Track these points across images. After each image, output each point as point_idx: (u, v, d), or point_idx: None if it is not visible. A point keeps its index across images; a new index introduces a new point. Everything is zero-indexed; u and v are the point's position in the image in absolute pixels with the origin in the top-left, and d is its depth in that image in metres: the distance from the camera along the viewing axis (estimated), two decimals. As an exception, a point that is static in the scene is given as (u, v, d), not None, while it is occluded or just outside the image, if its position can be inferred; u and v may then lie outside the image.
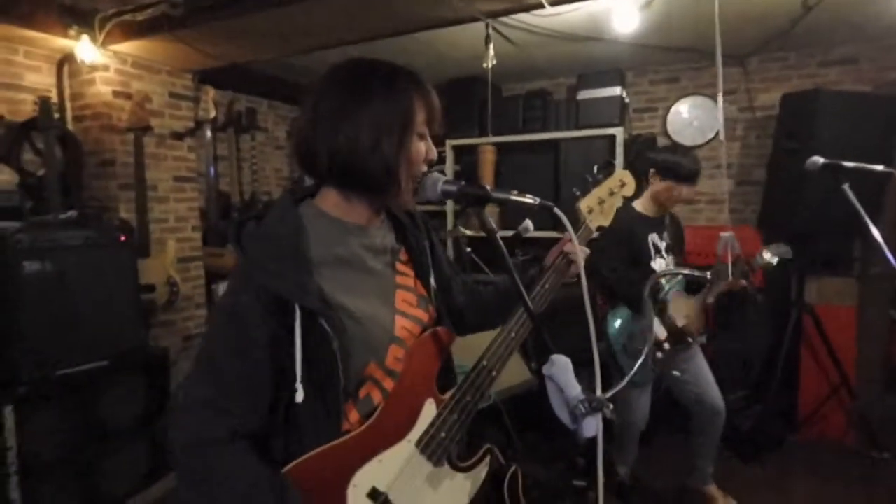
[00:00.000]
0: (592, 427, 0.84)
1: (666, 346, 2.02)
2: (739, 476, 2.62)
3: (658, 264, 2.20)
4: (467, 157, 3.89)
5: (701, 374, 2.25)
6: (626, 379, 0.82)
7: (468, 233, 3.27)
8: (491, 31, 2.64)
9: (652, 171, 2.19)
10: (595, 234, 1.19)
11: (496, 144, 3.76)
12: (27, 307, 2.02)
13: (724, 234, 1.94)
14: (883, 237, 1.39)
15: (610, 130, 3.43)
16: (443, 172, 0.98)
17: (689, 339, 2.09)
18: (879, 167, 1.48)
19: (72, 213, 2.33)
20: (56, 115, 2.77)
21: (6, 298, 1.99)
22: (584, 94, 3.56)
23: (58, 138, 2.72)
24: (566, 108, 3.73)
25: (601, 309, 2.34)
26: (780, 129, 3.12)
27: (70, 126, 2.94)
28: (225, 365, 0.83)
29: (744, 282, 2.05)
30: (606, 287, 2.18)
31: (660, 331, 2.04)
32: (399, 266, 1.01)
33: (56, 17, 2.58)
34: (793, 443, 2.94)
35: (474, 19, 2.42)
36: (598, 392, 0.84)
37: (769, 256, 2.08)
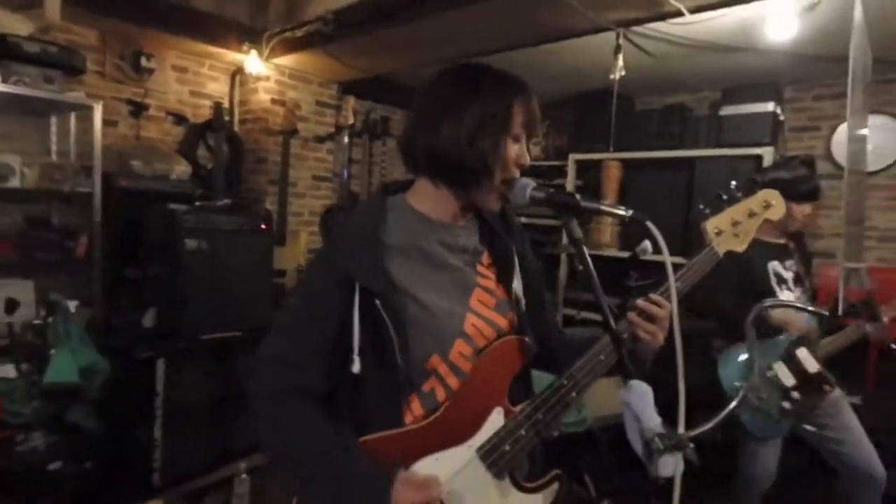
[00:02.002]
0: (670, 467, 0.76)
1: (795, 394, 1.74)
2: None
3: (784, 297, 1.91)
4: (591, 173, 3.75)
5: (847, 432, 1.90)
6: (728, 409, 0.71)
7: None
8: (621, 40, 2.53)
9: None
10: (720, 258, 1.05)
11: (623, 160, 3.57)
12: (186, 278, 2.38)
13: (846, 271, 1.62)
14: None
15: (757, 150, 3.07)
16: (563, 187, 0.96)
17: (826, 388, 1.77)
18: None
19: (227, 201, 2.70)
20: (226, 119, 3.24)
21: (171, 269, 2.37)
22: (728, 110, 3.24)
23: (226, 138, 3.18)
24: (707, 124, 3.42)
25: (718, 351, 2.08)
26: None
27: (236, 128, 3.43)
28: (299, 328, 0.91)
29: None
30: (723, 323, 1.95)
31: (785, 376, 1.76)
32: (480, 268, 1.00)
33: (235, 36, 3.03)
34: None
35: (605, 29, 2.35)
36: (681, 429, 0.76)
37: None
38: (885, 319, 1.79)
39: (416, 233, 0.95)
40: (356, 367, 0.88)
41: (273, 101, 3.26)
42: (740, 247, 1.07)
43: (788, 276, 1.96)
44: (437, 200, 0.96)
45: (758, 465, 2.00)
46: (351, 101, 3.53)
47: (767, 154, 3.02)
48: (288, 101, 3.23)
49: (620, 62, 2.55)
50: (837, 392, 1.89)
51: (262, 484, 2.50)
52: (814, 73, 3.18)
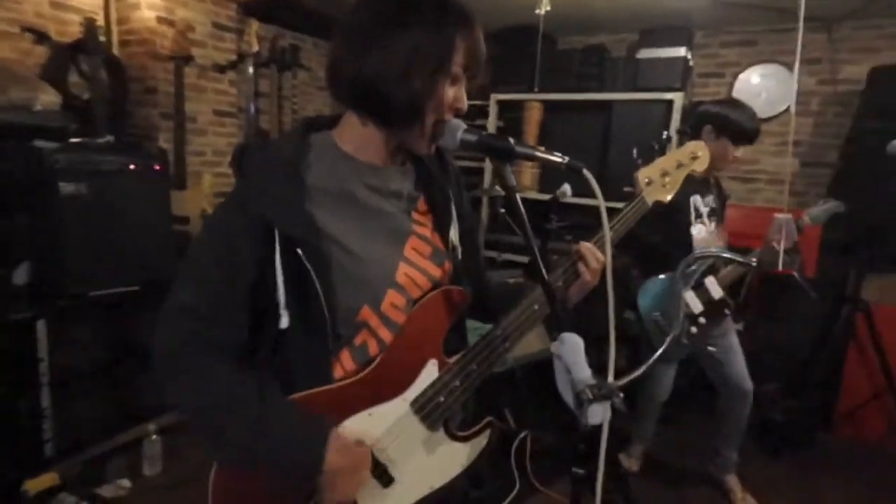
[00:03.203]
0: (598, 415, 0.77)
1: (702, 320, 1.89)
2: (763, 472, 2.52)
3: (697, 230, 2.04)
4: (512, 114, 3.71)
5: (731, 352, 2.15)
6: (654, 357, 0.76)
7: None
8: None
9: (708, 127, 2.00)
10: (649, 208, 1.08)
11: (544, 102, 3.55)
12: (64, 228, 2.08)
13: (780, 217, 1.76)
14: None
15: (668, 95, 3.17)
16: (484, 128, 0.89)
17: (726, 312, 1.95)
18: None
19: (109, 139, 2.35)
20: (102, 39, 2.77)
21: (44, 217, 2.06)
22: (644, 53, 3.28)
23: (103, 62, 2.73)
24: (624, 66, 3.46)
25: (637, 281, 2.20)
26: (864, 106, 2.80)
27: (116, 51, 2.95)
28: (209, 274, 0.80)
29: (795, 274, 1.88)
30: (641, 256, 2.06)
31: (695, 304, 1.91)
32: (415, 215, 0.94)
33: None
34: (825, 442, 2.80)
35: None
36: (610, 378, 0.77)
37: (814, 217, 1.94)
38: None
39: (343, 174, 0.86)
40: (284, 322, 0.80)
41: (159, 19, 2.82)
42: (667, 196, 1.10)
43: (705, 210, 2.07)
44: (366, 140, 0.86)
45: (658, 385, 2.24)
46: (254, 25, 3.16)
47: (678, 99, 3.13)
48: (178, 21, 2.81)
49: (546, -3, 2.45)
50: (728, 318, 2.09)
51: (176, 444, 2.38)
52: (723, 18, 3.28)
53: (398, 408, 0.87)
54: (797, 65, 1.70)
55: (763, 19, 3.20)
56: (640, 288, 2.06)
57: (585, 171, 0.80)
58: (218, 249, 0.81)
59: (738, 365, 2.15)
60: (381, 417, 0.86)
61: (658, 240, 1.99)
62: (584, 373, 0.78)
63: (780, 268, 1.79)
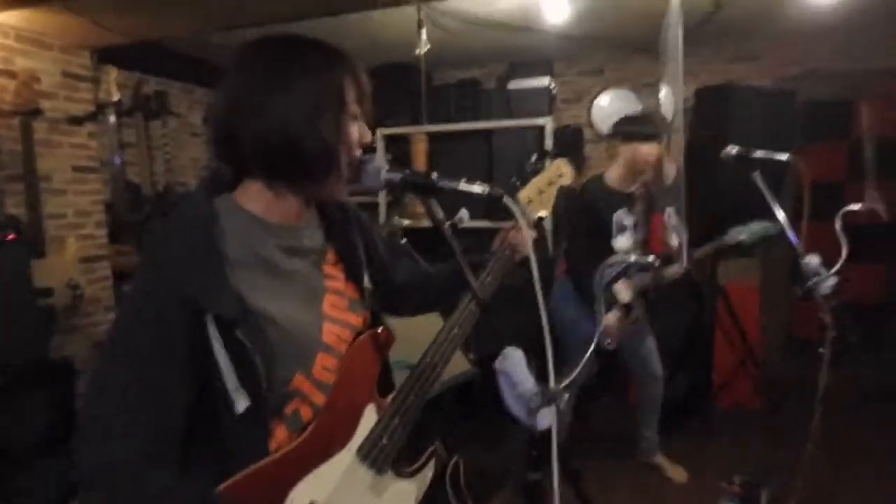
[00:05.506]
0: (547, 419, 0.83)
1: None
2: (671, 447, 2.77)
3: (619, 242, 2.23)
4: (398, 146, 3.81)
5: (644, 345, 2.40)
6: (587, 355, 0.83)
7: (405, 223, 3.21)
8: (423, 16, 2.57)
9: (619, 138, 2.24)
10: (534, 223, 1.19)
11: (429, 134, 3.71)
12: None
13: (671, 220, 2.01)
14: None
15: (539, 120, 3.49)
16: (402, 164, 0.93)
17: (633, 315, 2.19)
18: (784, 156, 1.58)
19: (-55, 210, 2.02)
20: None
21: None
22: (514, 84, 3.60)
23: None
24: (497, 97, 3.75)
25: (561, 274, 2.38)
26: (695, 120, 3.31)
27: (-61, 108, 2.54)
28: (130, 376, 0.72)
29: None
30: (568, 263, 2.27)
31: (612, 318, 2.14)
32: (326, 268, 0.93)
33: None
34: (711, 411, 3.17)
35: (406, 2, 2.35)
36: (552, 383, 0.83)
37: (745, 236, 2.21)
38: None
39: (257, 240, 0.82)
40: (241, 406, 0.75)
41: (-2, 71, 2.50)
42: (546, 210, 1.21)
43: (629, 222, 2.27)
44: (274, 200, 0.83)
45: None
46: (113, 73, 2.92)
47: (548, 123, 3.46)
48: (21, 72, 2.50)
49: (424, 37, 2.60)
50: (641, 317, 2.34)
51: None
52: (576, 51, 3.70)
53: (344, 459, 0.85)
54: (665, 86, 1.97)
55: (606, 50, 3.67)
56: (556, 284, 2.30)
57: (507, 199, 0.87)
58: (137, 345, 0.74)
59: (652, 355, 2.41)
60: (330, 473, 0.83)
61: (583, 256, 2.19)
62: (529, 383, 0.84)
63: (683, 268, 2.06)
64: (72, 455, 0.72)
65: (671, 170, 2.14)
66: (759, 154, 1.57)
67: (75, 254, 2.69)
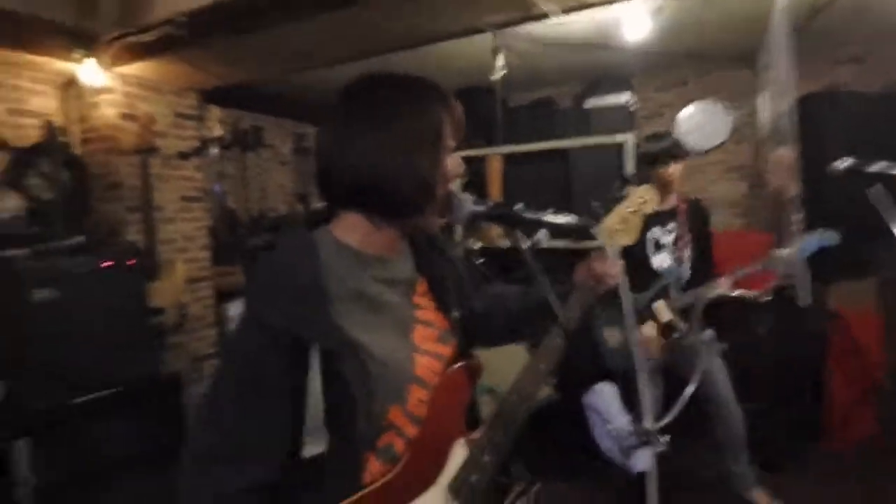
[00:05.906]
0: (644, 461, 0.79)
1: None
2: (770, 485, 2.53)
3: (659, 260, 2.17)
4: (472, 168, 3.84)
5: (713, 372, 2.20)
6: (692, 386, 0.79)
7: (479, 245, 3.23)
8: (498, 41, 2.61)
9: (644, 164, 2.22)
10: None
11: (504, 155, 3.71)
12: (36, 337, 1.98)
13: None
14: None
15: (618, 137, 3.38)
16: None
17: (677, 335, 2.06)
18: (902, 170, 1.42)
19: (79, 239, 2.30)
20: (62, 139, 2.75)
21: (15, 329, 1.95)
22: (591, 103, 3.53)
23: (64, 162, 2.70)
24: (574, 115, 3.69)
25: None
26: (798, 131, 3.07)
27: (77, 150, 2.92)
28: (237, 412, 0.75)
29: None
30: None
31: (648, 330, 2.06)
32: (416, 299, 0.92)
33: (58, 41, 2.56)
34: (820, 450, 2.85)
35: (480, 31, 2.40)
36: (649, 423, 0.79)
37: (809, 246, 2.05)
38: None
39: (352, 272, 0.83)
40: (310, 450, 0.76)
41: (124, 115, 2.84)
42: (631, 239, 1.16)
43: (667, 239, 2.19)
44: (371, 233, 0.84)
45: None
46: (215, 112, 3.22)
47: (629, 140, 3.35)
48: (141, 116, 2.83)
49: (501, 62, 2.63)
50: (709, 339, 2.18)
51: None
52: (655, 66, 3.58)
53: (436, 496, 0.83)
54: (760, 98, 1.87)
55: (688, 64, 3.52)
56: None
57: (593, 230, 0.85)
58: (243, 382, 0.76)
59: (719, 385, 2.20)
60: None
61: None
62: (623, 419, 0.81)
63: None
64: (178, 478, 0.77)
65: (791, 185, 2.04)
66: (875, 167, 1.43)
67: (183, 276, 2.95)
